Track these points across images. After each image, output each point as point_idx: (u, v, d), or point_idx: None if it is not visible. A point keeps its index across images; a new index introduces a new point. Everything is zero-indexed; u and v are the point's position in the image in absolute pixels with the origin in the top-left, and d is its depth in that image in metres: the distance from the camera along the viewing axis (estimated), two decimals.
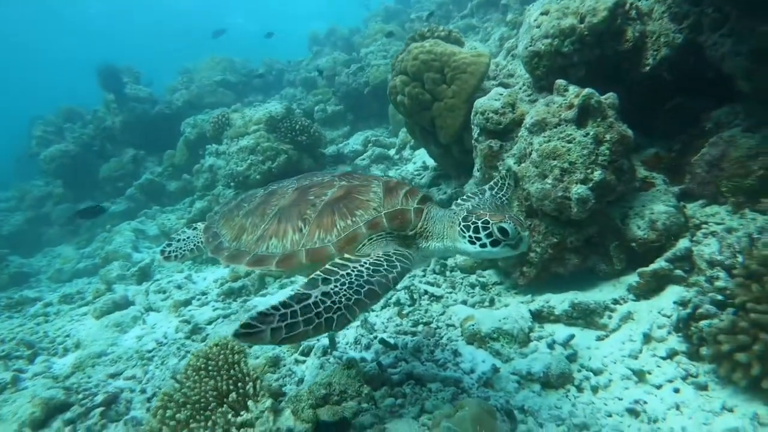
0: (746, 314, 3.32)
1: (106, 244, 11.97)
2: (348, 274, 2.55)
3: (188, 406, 3.27)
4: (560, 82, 4.63)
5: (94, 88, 17.82)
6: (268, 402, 3.24)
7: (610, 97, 4.49)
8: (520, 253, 2.97)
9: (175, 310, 6.87)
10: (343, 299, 2.38)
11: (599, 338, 4.39)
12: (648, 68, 4.97)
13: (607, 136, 4.37)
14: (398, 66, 6.63)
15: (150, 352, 5.74)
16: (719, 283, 3.67)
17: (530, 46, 4.94)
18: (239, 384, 3.37)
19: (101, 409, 4.47)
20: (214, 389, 3.32)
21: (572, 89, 4.57)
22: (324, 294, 2.39)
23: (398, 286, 5.52)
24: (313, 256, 2.93)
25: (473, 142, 5.26)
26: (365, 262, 2.65)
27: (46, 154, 16.30)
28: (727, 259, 3.76)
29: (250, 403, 3.28)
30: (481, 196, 3.82)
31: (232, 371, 3.45)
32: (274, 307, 2.28)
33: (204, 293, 7.27)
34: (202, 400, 3.28)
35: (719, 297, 3.59)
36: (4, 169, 23.45)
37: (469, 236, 2.87)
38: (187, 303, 7.01)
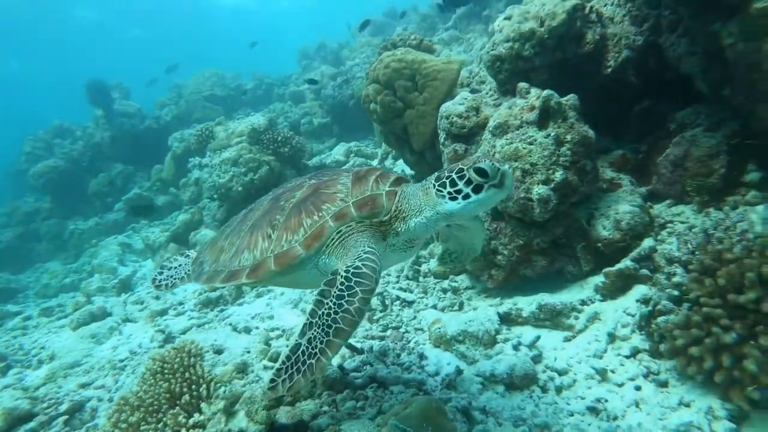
0: (700, 308, 3.33)
1: (92, 259, 11.98)
2: (323, 314, 2.53)
3: (142, 409, 3.27)
4: (522, 84, 4.68)
5: (88, 104, 17.97)
6: (221, 404, 3.23)
7: (570, 99, 4.53)
8: (506, 195, 2.71)
9: (151, 320, 6.85)
10: (317, 344, 2.44)
11: (566, 339, 4.39)
12: (609, 70, 5.02)
13: (568, 137, 4.41)
14: (371, 75, 6.69)
15: (122, 361, 5.72)
16: (676, 279, 3.69)
17: (492, 50, 5.00)
18: (193, 386, 3.37)
19: (65, 417, 4.45)
20: (167, 392, 3.32)
21: (534, 92, 4.61)
22: (309, 340, 2.48)
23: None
24: (281, 260, 2.79)
25: (440, 146, 5.29)
26: (333, 294, 2.56)
27: (34, 170, 16.38)
28: (684, 256, 3.77)
29: (203, 405, 3.27)
30: None
31: (187, 374, 3.45)
32: (282, 362, 2.49)
33: (181, 303, 7.25)
34: (155, 402, 3.28)
35: (676, 293, 3.61)
36: None
37: (448, 192, 2.62)
38: (163, 313, 6.99)
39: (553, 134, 4.39)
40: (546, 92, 4.43)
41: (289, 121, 14.61)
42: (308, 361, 2.41)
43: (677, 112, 5.06)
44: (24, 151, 18.18)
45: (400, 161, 9.80)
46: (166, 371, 3.47)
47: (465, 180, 2.57)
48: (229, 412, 3.24)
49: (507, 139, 4.51)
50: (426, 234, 2.92)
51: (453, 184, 2.61)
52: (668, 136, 4.97)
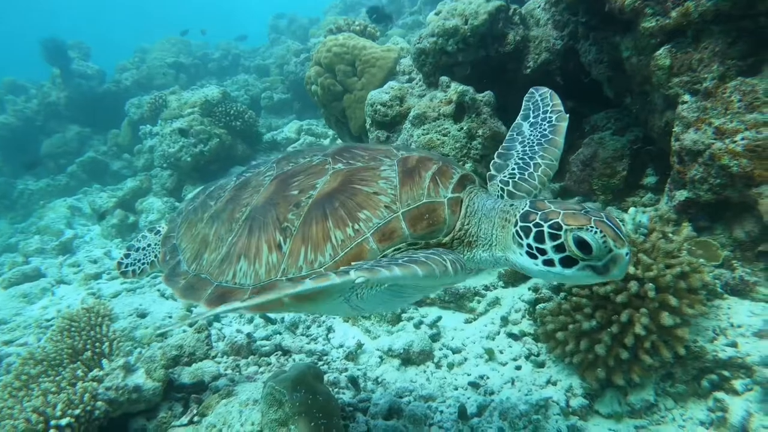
0: (571, 298, 3.66)
1: (39, 220, 11.89)
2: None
3: (44, 362, 3.45)
4: (444, 78, 4.92)
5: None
6: (121, 361, 3.43)
7: (486, 96, 4.80)
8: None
9: (84, 283, 6.97)
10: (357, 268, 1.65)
11: (467, 321, 4.70)
12: (529, 71, 5.30)
13: (480, 132, 4.68)
14: (315, 57, 6.86)
15: (49, 321, 5.85)
16: None
17: (418, 43, 5.23)
18: (96, 344, 3.57)
19: None
20: (70, 348, 3.51)
21: (453, 86, 4.86)
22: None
23: None
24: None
25: (368, 132, 5.53)
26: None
27: None
28: None
29: (104, 361, 3.47)
30: (520, 140, 2.76)
31: (92, 332, 3.64)
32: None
33: None
34: (57, 357, 3.46)
35: (555, 283, 3.94)
36: None
37: (528, 245, 1.85)
38: (97, 276, 7.11)
39: (466, 128, 4.66)
40: (462, 87, 4.68)
41: (250, 95, 14.61)
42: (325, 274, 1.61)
43: (594, 114, 5.39)
44: None
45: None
46: (72, 329, 3.65)
47: (556, 243, 1.79)
48: (129, 369, 3.45)
49: (424, 130, 4.77)
50: (492, 269, 2.30)
51: (539, 238, 1.83)
52: (583, 136, 5.30)
